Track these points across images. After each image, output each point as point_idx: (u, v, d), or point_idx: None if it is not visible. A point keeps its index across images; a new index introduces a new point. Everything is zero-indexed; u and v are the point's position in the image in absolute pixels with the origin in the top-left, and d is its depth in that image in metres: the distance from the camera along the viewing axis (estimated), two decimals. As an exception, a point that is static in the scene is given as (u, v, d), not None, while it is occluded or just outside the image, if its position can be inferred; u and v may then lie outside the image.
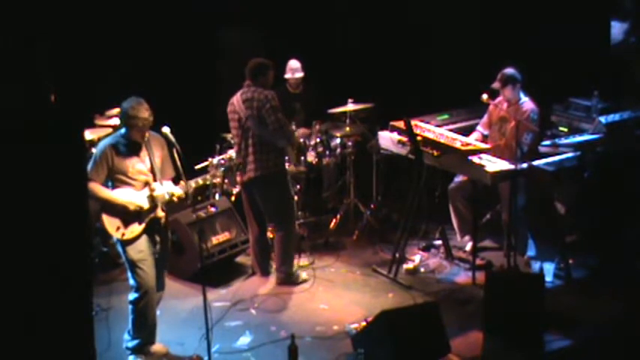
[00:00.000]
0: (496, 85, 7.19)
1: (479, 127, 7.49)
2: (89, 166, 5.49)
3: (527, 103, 7.20)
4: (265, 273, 7.19)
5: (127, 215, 5.57)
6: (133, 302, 5.69)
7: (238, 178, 7.07)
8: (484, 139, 7.37)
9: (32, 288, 3.31)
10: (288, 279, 7.02)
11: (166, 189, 5.69)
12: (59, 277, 3.34)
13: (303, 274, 7.13)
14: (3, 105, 3.26)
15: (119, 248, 5.68)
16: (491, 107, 7.36)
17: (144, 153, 5.65)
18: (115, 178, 5.58)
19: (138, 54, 8.73)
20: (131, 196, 5.58)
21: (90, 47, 8.38)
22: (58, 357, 3.41)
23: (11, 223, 3.24)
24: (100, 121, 7.53)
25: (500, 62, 7.31)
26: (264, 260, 7.20)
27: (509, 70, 7.20)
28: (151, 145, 5.67)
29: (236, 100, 6.83)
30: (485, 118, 7.45)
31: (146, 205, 5.61)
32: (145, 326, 5.74)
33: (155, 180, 5.67)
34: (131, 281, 5.68)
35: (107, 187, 5.58)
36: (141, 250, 5.62)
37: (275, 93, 6.81)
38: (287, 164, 7.17)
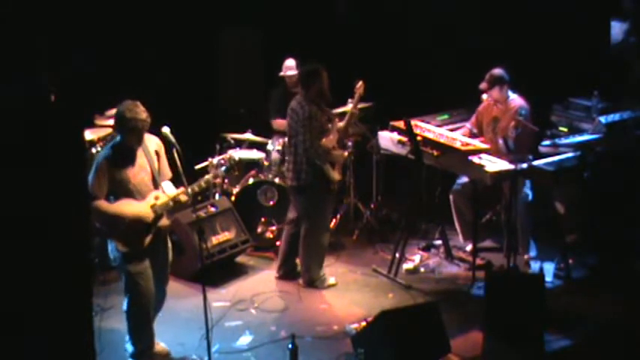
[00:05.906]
0: (483, 85, 7.16)
1: (467, 124, 7.51)
2: (90, 181, 5.30)
3: (515, 100, 7.18)
4: (281, 273, 7.17)
5: (133, 231, 5.43)
6: (128, 311, 5.61)
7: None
8: (471, 134, 7.37)
9: (32, 288, 3.31)
10: (312, 283, 7.00)
11: (169, 195, 5.56)
12: (59, 278, 3.34)
13: (331, 279, 7.08)
14: (3, 105, 3.26)
15: (120, 259, 5.51)
16: (480, 108, 7.37)
17: (143, 160, 5.50)
18: (116, 191, 5.42)
19: (138, 54, 8.73)
20: (136, 211, 5.42)
21: (90, 47, 8.37)
22: (58, 357, 3.41)
23: (11, 224, 3.24)
24: (100, 121, 7.51)
25: (501, 62, 7.30)
26: (287, 261, 7.18)
27: (497, 71, 7.16)
28: (148, 149, 5.52)
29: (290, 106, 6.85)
30: (473, 118, 7.47)
31: (151, 218, 5.49)
32: (143, 333, 5.67)
33: (156, 186, 5.56)
34: (127, 291, 5.58)
35: (110, 201, 5.43)
36: (141, 262, 5.52)
37: (314, 107, 6.72)
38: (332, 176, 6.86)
